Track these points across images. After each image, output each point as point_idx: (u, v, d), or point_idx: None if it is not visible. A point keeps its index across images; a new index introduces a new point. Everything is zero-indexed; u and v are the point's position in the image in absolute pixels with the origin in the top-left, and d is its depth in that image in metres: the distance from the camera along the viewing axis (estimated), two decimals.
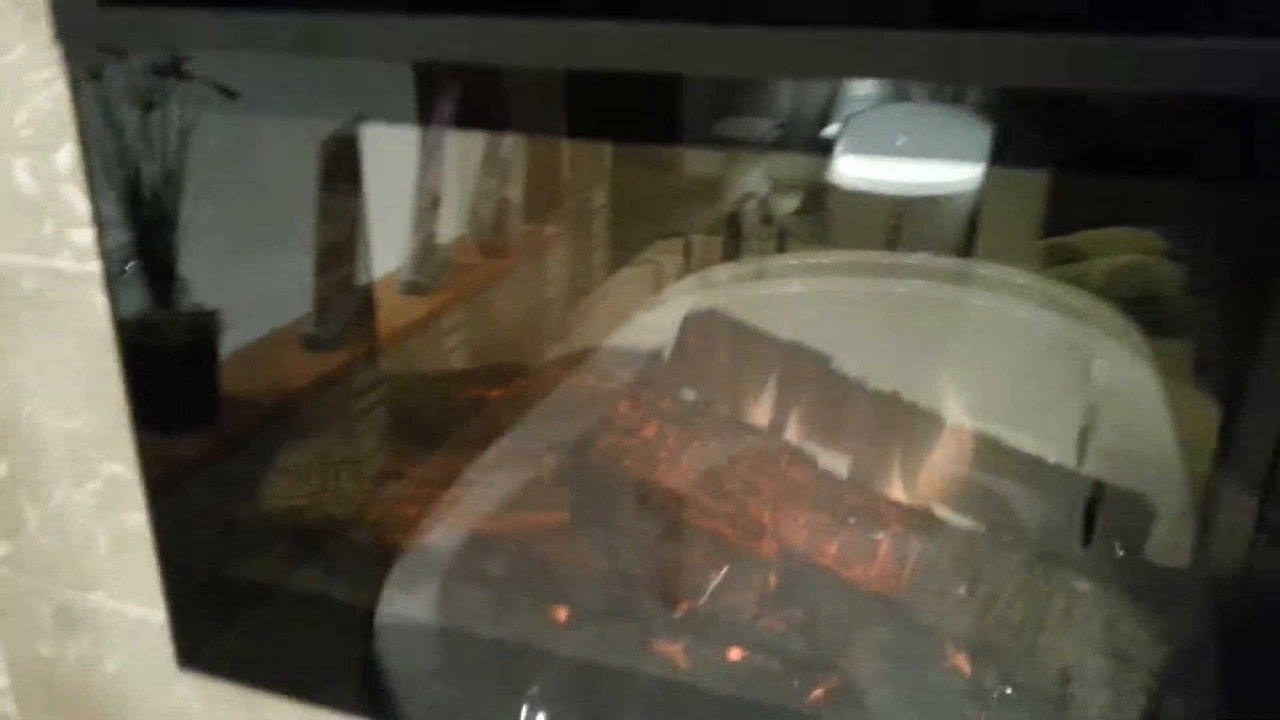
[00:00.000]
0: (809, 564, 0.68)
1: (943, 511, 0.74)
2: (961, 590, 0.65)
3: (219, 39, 0.72)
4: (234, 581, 0.93)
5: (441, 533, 0.88)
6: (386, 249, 1.16)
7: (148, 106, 0.82)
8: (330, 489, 0.91)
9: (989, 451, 0.79)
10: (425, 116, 0.79)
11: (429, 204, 1.30)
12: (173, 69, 0.80)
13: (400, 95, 0.77)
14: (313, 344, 1.09)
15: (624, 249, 1.44)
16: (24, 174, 0.82)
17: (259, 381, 0.97)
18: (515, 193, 1.40)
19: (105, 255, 0.82)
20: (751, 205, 1.39)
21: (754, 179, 1.28)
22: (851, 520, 0.68)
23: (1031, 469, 0.84)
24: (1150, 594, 0.73)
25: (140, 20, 0.73)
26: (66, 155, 0.80)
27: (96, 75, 0.76)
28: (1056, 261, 1.05)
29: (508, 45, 0.65)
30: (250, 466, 0.95)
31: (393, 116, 0.84)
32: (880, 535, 0.67)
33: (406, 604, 0.86)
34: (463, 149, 1.29)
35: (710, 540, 0.70)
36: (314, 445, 0.99)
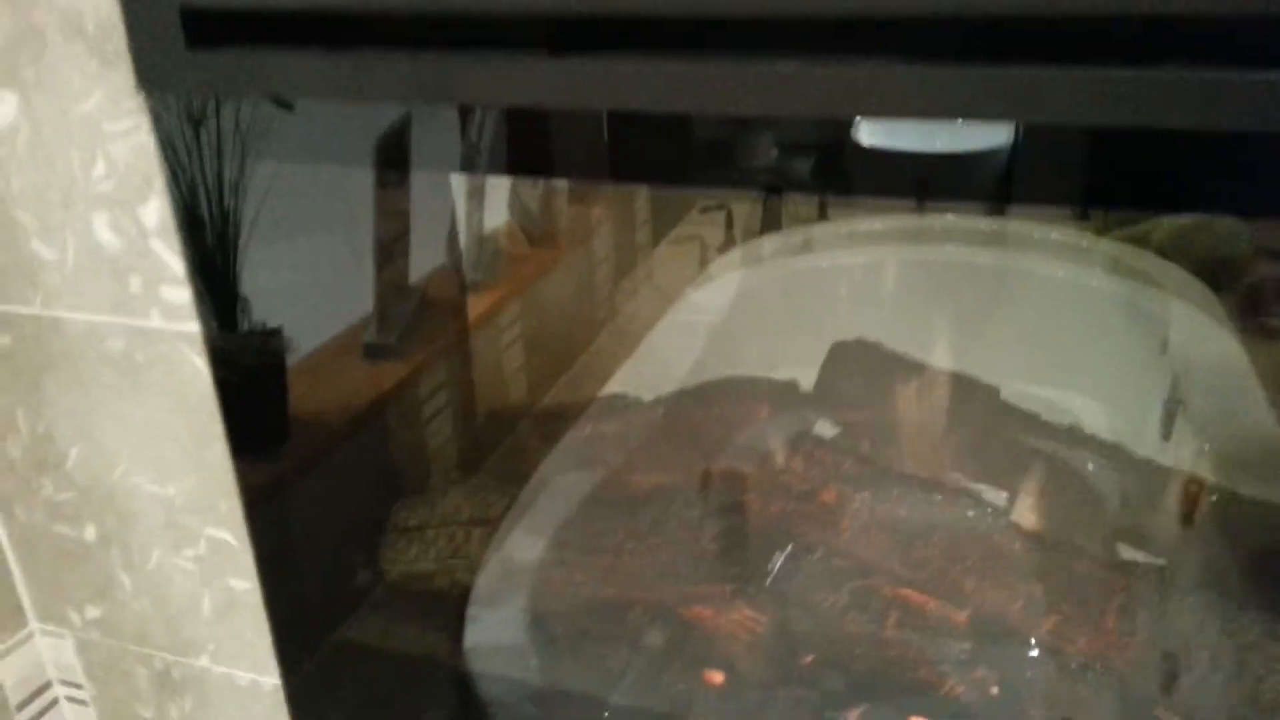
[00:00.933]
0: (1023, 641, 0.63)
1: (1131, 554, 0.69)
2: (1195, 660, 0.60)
3: (328, 87, 0.63)
4: (350, 645, 0.87)
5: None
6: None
7: (198, 124, 0.73)
8: (453, 551, 0.85)
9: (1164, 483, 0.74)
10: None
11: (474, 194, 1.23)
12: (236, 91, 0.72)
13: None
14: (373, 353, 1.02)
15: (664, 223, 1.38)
16: (105, 230, 0.74)
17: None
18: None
19: (203, 314, 0.74)
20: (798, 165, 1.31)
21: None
22: (1066, 589, 0.63)
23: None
24: None
25: (237, 63, 0.64)
26: (154, 210, 0.72)
27: (196, 124, 0.68)
28: (1116, 223, 0.99)
29: (670, 89, 0.57)
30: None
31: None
32: (1099, 601, 0.62)
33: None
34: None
35: (910, 612, 0.65)
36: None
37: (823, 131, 0.67)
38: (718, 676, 0.73)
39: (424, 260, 1.07)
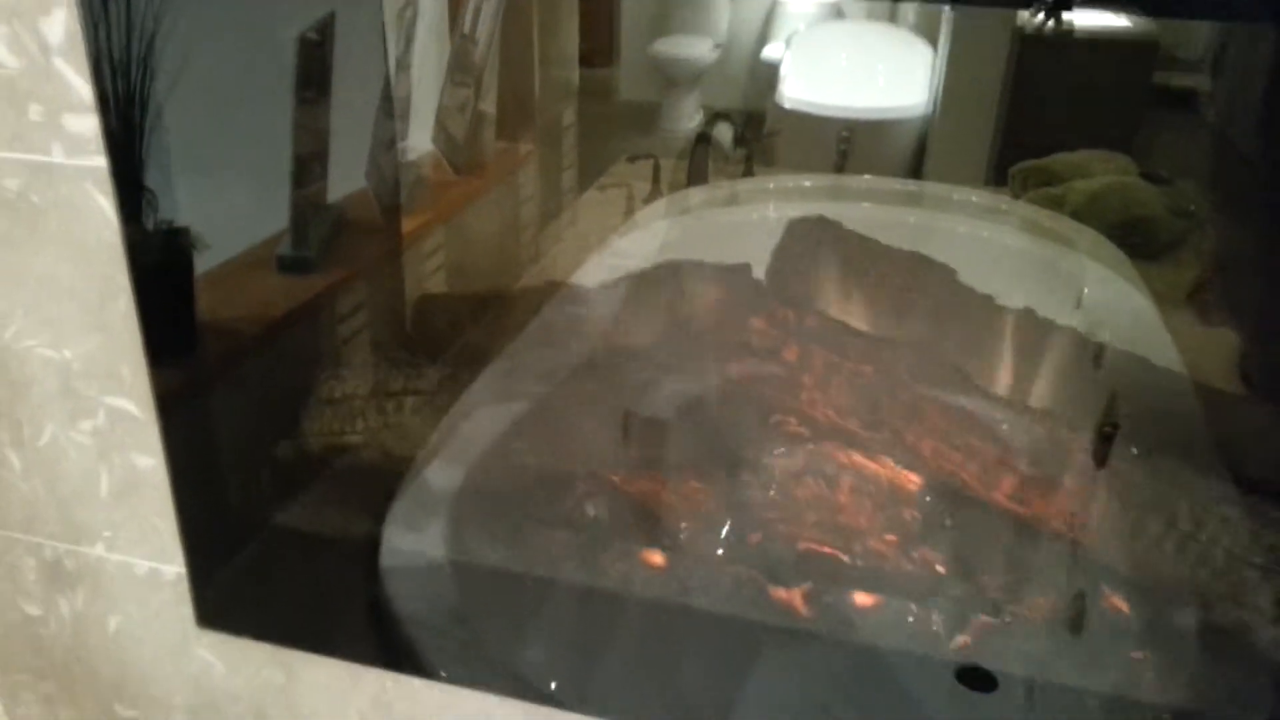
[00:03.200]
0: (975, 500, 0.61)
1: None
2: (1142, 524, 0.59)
3: None
4: (267, 527, 0.81)
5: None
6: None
7: None
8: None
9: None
10: None
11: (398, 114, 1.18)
12: None
13: None
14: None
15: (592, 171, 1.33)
16: (2, 48, 0.66)
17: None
18: (488, 107, 1.30)
19: (112, 147, 0.68)
20: (723, 128, 1.32)
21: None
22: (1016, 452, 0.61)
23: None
24: None
25: None
26: (58, 22, 0.65)
27: None
28: (1032, 185, 1.00)
29: None
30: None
31: None
32: (1051, 470, 0.60)
33: None
34: (430, 60, 1.19)
35: (864, 477, 0.62)
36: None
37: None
38: (657, 556, 0.70)
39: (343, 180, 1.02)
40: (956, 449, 0.60)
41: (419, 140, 1.22)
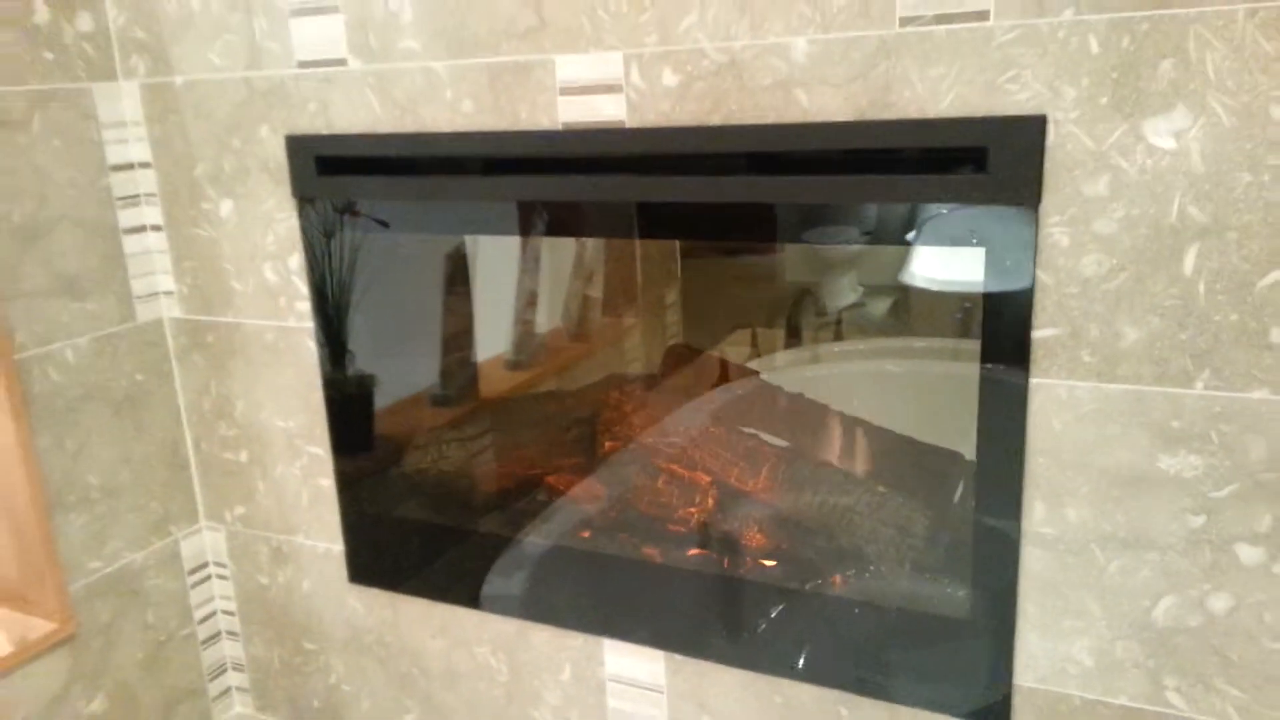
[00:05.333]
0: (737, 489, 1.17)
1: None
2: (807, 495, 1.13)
3: (382, 192, 1.28)
4: (386, 522, 1.46)
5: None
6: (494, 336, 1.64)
7: (330, 235, 1.38)
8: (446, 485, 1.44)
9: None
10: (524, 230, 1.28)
11: (528, 301, 1.79)
12: (348, 209, 1.37)
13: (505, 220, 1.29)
14: (439, 401, 1.60)
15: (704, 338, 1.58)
16: (269, 272, 1.39)
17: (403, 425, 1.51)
18: (596, 292, 1.79)
19: (316, 320, 1.38)
20: (809, 301, 1.62)
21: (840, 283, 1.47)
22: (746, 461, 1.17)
23: None
24: None
25: (347, 185, 1.29)
26: (295, 261, 1.36)
27: (310, 205, 1.33)
28: None
29: (564, 191, 1.18)
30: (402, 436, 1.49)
31: (499, 230, 1.35)
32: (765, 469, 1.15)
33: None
34: (555, 257, 1.71)
35: (681, 479, 1.20)
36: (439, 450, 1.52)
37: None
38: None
39: (483, 344, 1.62)
40: (734, 468, 1.16)
41: (542, 319, 1.82)
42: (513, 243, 1.60)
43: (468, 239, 1.51)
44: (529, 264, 1.73)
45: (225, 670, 1.62)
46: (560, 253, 1.68)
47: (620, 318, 1.86)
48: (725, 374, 1.44)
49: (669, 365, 1.41)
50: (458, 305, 1.56)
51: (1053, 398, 1.00)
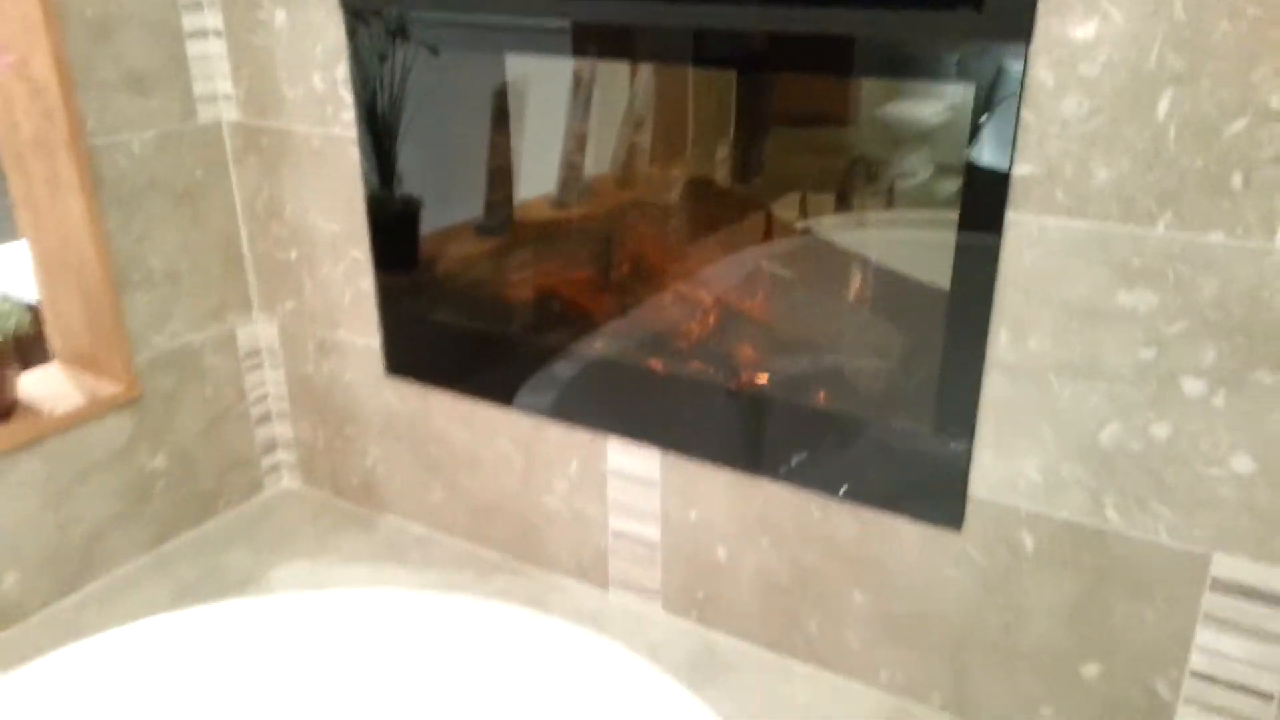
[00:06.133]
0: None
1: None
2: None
3: (425, 5, 1.34)
4: (421, 323, 1.59)
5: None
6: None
7: (383, 57, 1.45)
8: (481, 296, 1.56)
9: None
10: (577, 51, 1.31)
11: (577, 144, 1.84)
12: (399, 30, 1.43)
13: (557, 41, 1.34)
14: (480, 230, 1.69)
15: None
16: (318, 80, 1.48)
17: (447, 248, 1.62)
18: (645, 140, 1.83)
19: (359, 128, 1.47)
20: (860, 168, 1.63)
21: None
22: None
23: None
24: None
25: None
26: (342, 70, 1.45)
27: (362, 21, 1.41)
28: None
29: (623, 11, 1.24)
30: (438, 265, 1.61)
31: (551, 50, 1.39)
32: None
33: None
34: (606, 102, 1.75)
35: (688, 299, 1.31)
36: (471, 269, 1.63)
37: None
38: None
39: (528, 181, 1.68)
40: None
41: (590, 162, 1.87)
42: (563, 85, 1.65)
43: (520, 80, 1.56)
44: (579, 107, 1.78)
45: (275, 448, 1.80)
46: (611, 98, 1.72)
47: (668, 168, 1.90)
48: (745, 211, 1.52)
49: (692, 200, 1.49)
50: (506, 142, 1.62)
51: (1026, 233, 1.07)
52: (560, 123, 1.67)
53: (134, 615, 1.46)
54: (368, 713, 1.28)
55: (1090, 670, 1.18)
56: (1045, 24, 0.99)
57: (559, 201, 1.79)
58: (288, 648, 1.38)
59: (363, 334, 1.62)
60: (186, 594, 1.53)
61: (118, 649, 1.36)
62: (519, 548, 1.59)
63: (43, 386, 1.53)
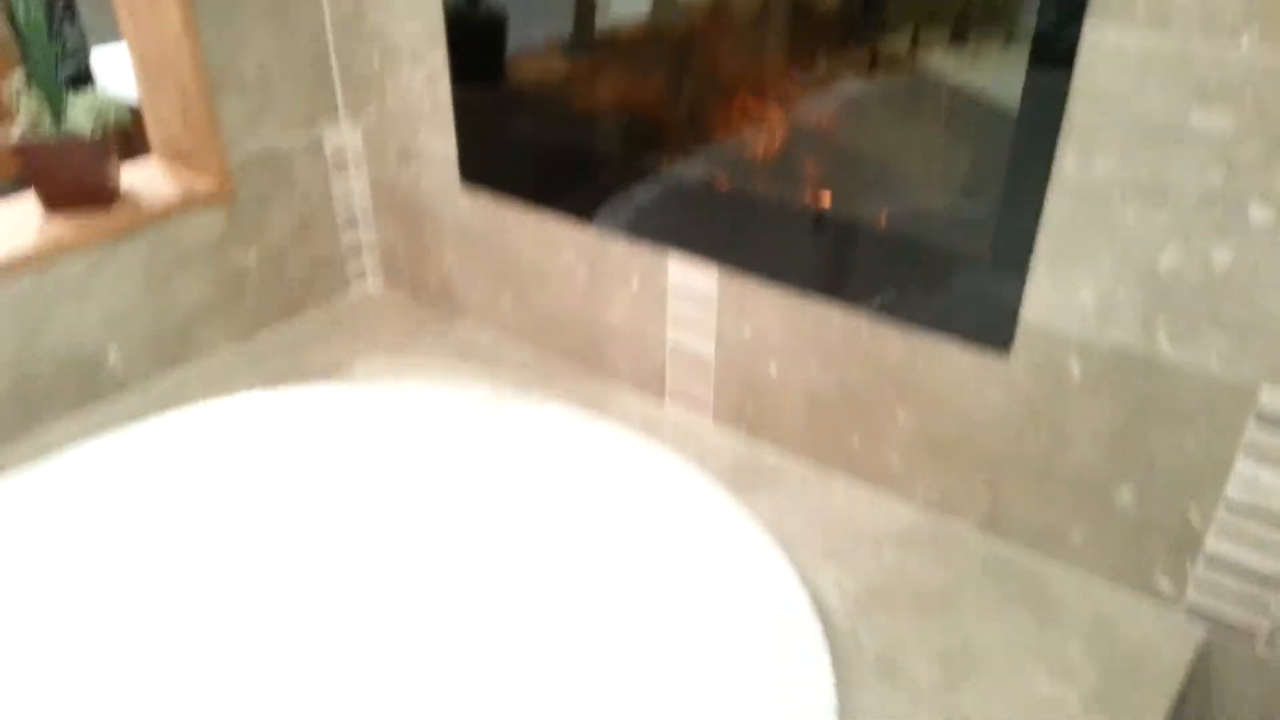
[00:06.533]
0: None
1: None
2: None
3: None
4: (497, 135, 1.62)
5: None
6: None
7: None
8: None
9: None
10: None
11: None
12: None
13: None
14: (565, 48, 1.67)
15: None
16: None
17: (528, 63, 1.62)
18: None
19: None
20: None
21: None
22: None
23: None
24: None
25: None
26: None
27: None
28: None
29: None
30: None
31: None
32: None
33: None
34: None
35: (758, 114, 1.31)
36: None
37: None
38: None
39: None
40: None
41: None
42: None
43: None
44: None
45: (359, 252, 1.88)
46: None
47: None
48: (827, 31, 1.48)
49: (779, 19, 1.45)
50: None
51: (1103, 46, 1.03)
52: None
53: (226, 394, 1.58)
54: (432, 495, 1.38)
55: (1124, 495, 1.19)
56: None
57: (649, 21, 1.76)
58: (367, 432, 1.49)
59: (441, 143, 1.66)
60: (274, 380, 1.64)
61: (214, 418, 1.48)
62: (582, 358, 1.66)
63: (142, 179, 1.62)
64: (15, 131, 1.46)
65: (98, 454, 1.41)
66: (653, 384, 1.59)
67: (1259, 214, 1.01)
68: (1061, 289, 1.15)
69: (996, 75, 1.16)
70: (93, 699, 1.08)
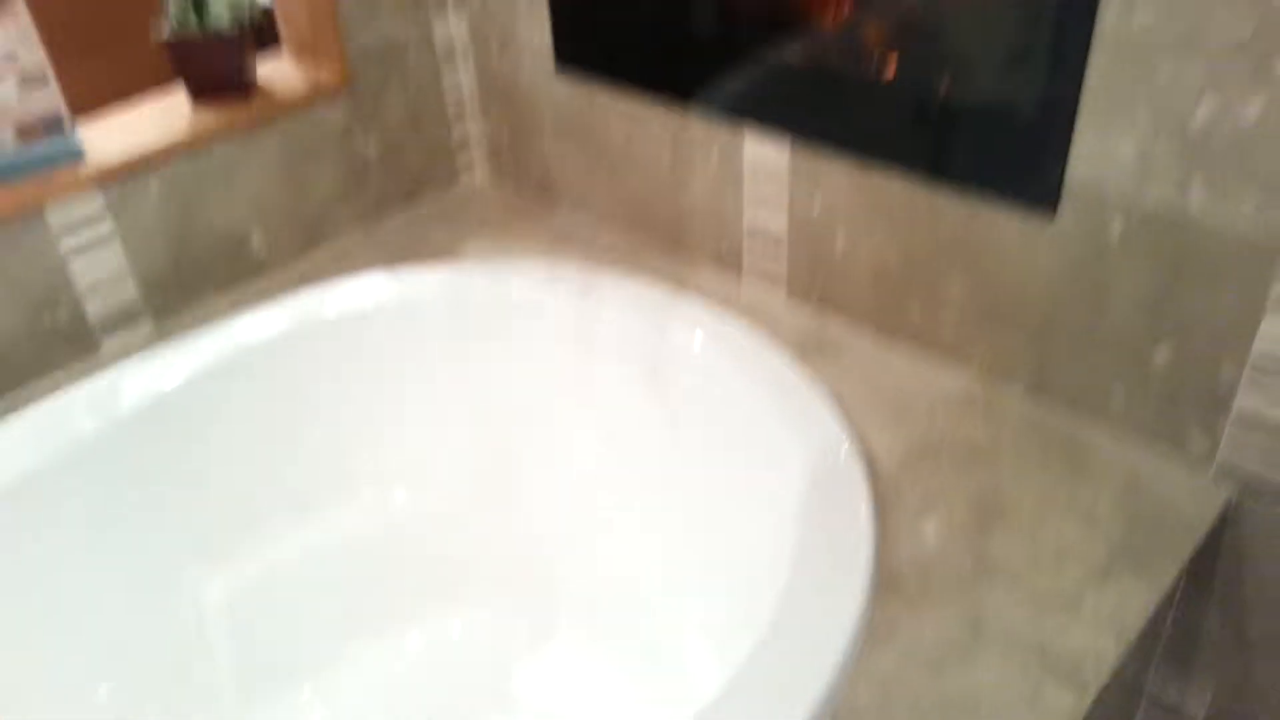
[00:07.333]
0: None
1: None
2: None
3: None
4: (593, 25, 1.72)
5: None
6: None
7: None
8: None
9: None
10: None
11: None
12: None
13: None
14: None
15: None
16: None
17: None
18: None
19: None
20: None
21: None
22: None
23: None
24: None
25: None
26: None
27: None
28: None
29: None
30: None
31: None
32: None
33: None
34: None
35: None
36: None
37: None
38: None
39: None
40: None
41: None
42: None
43: None
44: None
45: (468, 144, 2.03)
46: None
47: None
48: None
49: None
50: None
51: None
52: None
53: (357, 272, 1.76)
54: (531, 362, 1.55)
55: (1161, 354, 1.22)
56: None
57: None
58: (478, 307, 1.67)
59: (537, 32, 1.77)
60: (396, 260, 1.82)
61: (350, 293, 1.68)
62: (667, 238, 1.76)
63: (275, 72, 1.81)
64: (165, 27, 1.66)
65: (254, 325, 1.61)
66: (731, 261, 1.68)
67: None
68: (1105, 148, 1.18)
69: None
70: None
